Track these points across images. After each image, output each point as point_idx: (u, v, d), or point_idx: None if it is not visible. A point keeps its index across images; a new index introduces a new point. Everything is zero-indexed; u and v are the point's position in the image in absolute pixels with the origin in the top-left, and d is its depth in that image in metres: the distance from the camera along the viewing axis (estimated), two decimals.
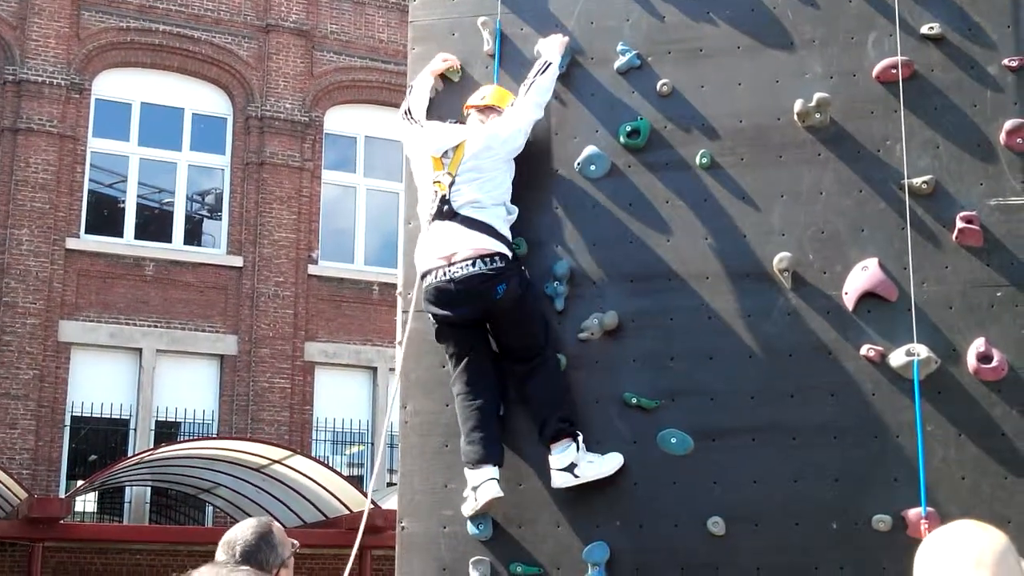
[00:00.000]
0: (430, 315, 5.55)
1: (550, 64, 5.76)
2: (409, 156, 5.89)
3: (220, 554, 4.24)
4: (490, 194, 5.56)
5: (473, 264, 5.39)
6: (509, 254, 5.47)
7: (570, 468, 5.32)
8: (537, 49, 5.91)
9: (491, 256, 5.41)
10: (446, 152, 5.62)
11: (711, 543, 5.30)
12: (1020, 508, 5.13)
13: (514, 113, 5.68)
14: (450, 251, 5.44)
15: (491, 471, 5.36)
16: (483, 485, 5.33)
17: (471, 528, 5.46)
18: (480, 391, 5.48)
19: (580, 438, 5.38)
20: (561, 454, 5.34)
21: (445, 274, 5.41)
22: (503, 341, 5.57)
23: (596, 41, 5.95)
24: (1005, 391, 5.25)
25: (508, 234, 5.55)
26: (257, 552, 4.21)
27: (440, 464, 5.63)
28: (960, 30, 5.63)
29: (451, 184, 5.53)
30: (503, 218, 5.57)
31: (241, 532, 4.27)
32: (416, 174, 5.80)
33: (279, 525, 4.42)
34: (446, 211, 5.51)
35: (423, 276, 5.54)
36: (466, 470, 5.42)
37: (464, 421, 5.45)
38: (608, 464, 5.37)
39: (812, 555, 5.22)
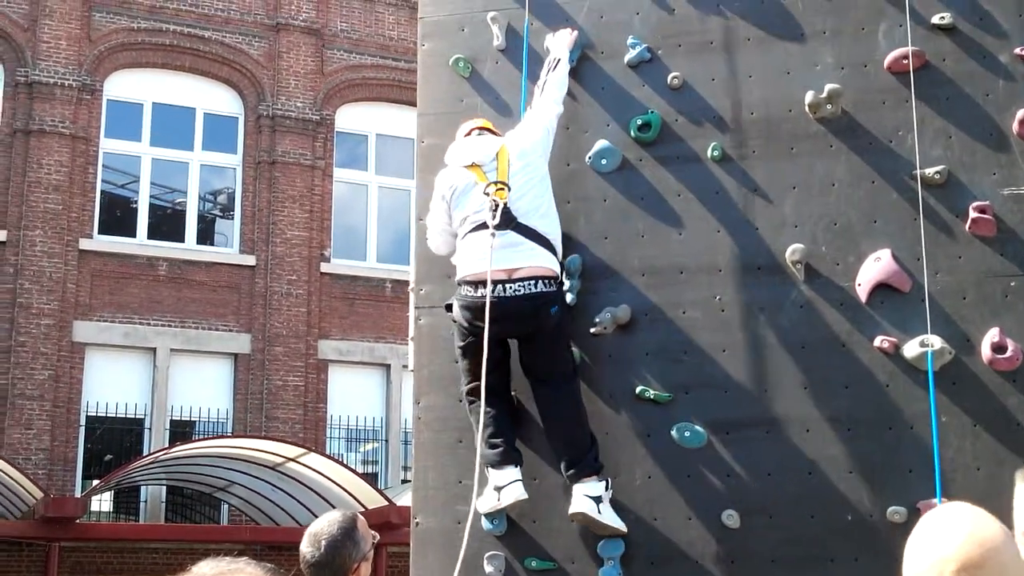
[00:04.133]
0: (464, 324, 5.40)
1: (559, 60, 5.75)
2: (442, 178, 5.67)
3: (305, 545, 4.23)
4: (545, 199, 5.51)
5: (535, 284, 5.31)
6: (561, 274, 5.45)
7: (597, 500, 5.27)
8: (547, 44, 5.91)
9: (550, 278, 5.36)
10: (489, 160, 5.51)
11: (726, 536, 5.29)
12: None
13: (536, 114, 5.65)
14: (512, 265, 5.31)
15: (515, 472, 5.35)
16: (508, 487, 5.32)
17: (485, 523, 5.46)
18: (501, 401, 5.44)
19: (609, 481, 5.36)
20: (592, 484, 5.29)
21: (504, 290, 5.28)
22: (536, 360, 5.45)
23: (606, 35, 5.94)
24: (1020, 381, 5.23)
25: (560, 248, 5.51)
26: (342, 547, 4.21)
27: (454, 459, 5.63)
28: (971, 19, 5.61)
29: (508, 190, 5.41)
30: (559, 229, 5.51)
31: (327, 526, 4.26)
32: (448, 186, 5.60)
33: (363, 518, 4.41)
34: (506, 220, 5.37)
35: (471, 284, 5.35)
36: (488, 470, 5.40)
37: (484, 427, 5.39)
38: (621, 526, 5.32)
39: (827, 547, 5.22)
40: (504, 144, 5.54)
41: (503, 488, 5.34)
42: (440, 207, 5.62)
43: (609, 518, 5.28)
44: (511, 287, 5.28)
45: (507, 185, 5.42)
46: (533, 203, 5.45)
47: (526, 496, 5.31)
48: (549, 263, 5.37)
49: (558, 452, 5.38)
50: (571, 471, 5.31)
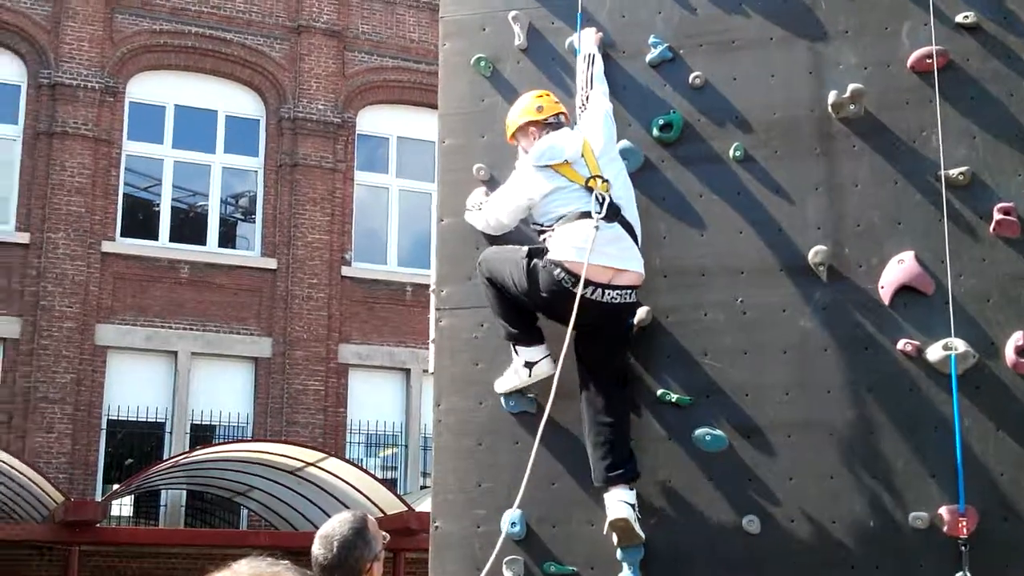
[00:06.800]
0: (543, 295, 5.29)
1: (594, 56, 5.72)
2: (531, 177, 5.49)
3: (317, 547, 4.23)
4: (631, 191, 5.47)
5: (631, 295, 5.30)
6: None
7: (633, 507, 5.24)
8: (570, 42, 5.88)
9: (638, 288, 5.36)
10: (578, 158, 5.41)
11: (747, 541, 5.24)
12: None
13: (597, 111, 5.59)
14: (618, 264, 5.25)
15: (544, 349, 5.42)
16: (541, 362, 5.41)
17: (505, 527, 5.42)
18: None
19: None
20: (627, 492, 5.25)
21: (603, 294, 5.21)
22: (601, 358, 5.39)
23: (628, 34, 5.90)
24: None
25: None
26: (354, 548, 4.20)
27: (473, 463, 5.59)
28: (995, 19, 5.56)
29: (609, 184, 5.35)
30: (640, 227, 5.46)
31: (339, 527, 4.26)
32: (535, 191, 5.44)
33: (372, 518, 4.40)
34: (612, 212, 5.29)
35: (568, 273, 5.21)
36: (516, 348, 5.46)
37: (507, 313, 5.49)
38: (643, 537, 5.29)
39: (848, 553, 5.16)
40: (585, 139, 5.45)
41: (536, 363, 5.41)
42: (523, 201, 5.49)
43: (639, 528, 5.24)
44: (609, 293, 5.23)
45: (604, 178, 5.35)
46: (627, 197, 5.42)
47: (555, 371, 5.26)
48: (642, 268, 5.36)
49: (600, 454, 5.31)
50: (612, 474, 5.25)
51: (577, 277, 5.18)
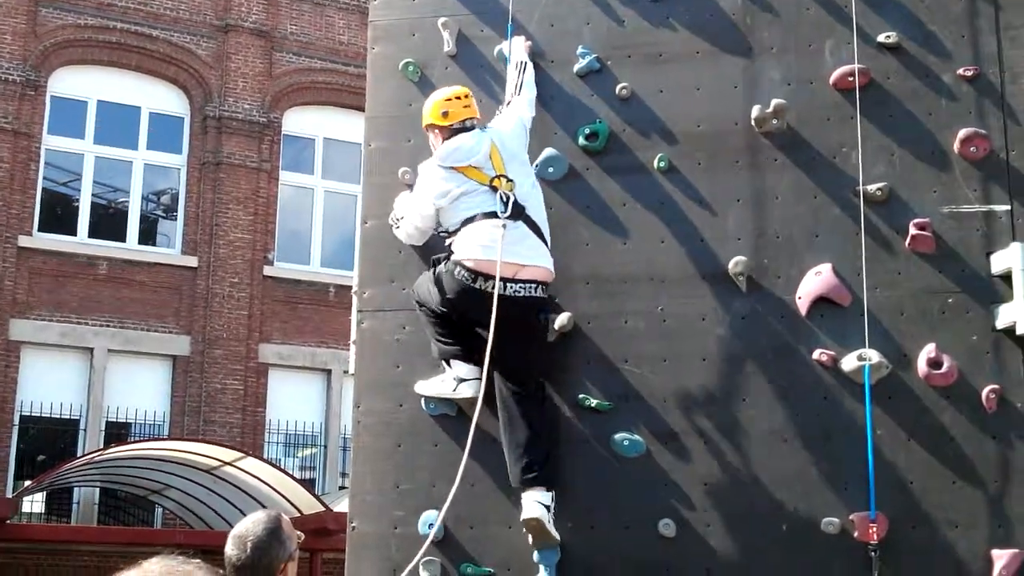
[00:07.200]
0: (447, 299, 5.36)
1: (525, 63, 5.77)
2: (436, 179, 5.52)
3: (230, 548, 4.19)
4: (539, 192, 5.53)
5: (536, 288, 5.33)
6: None
7: (548, 509, 5.30)
8: (499, 50, 5.92)
9: (547, 284, 5.39)
10: (485, 161, 5.45)
11: (662, 545, 5.31)
12: (967, 513, 5.18)
13: (515, 114, 5.65)
14: (520, 260, 5.31)
15: (476, 370, 5.41)
16: (469, 382, 5.43)
17: (422, 529, 5.44)
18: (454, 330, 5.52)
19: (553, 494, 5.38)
20: (543, 494, 5.31)
21: (505, 287, 5.25)
22: (510, 359, 5.38)
23: (556, 44, 5.96)
24: (954, 396, 5.30)
25: None
26: (269, 548, 4.17)
27: (392, 465, 5.61)
28: (916, 39, 5.69)
29: (513, 183, 5.41)
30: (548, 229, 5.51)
31: (252, 527, 4.22)
32: (443, 190, 5.48)
33: (287, 517, 4.38)
34: (517, 211, 5.37)
35: (469, 271, 5.29)
36: (449, 362, 5.49)
37: (442, 338, 5.52)
38: (559, 539, 5.34)
39: (762, 558, 5.25)
40: (492, 141, 5.50)
41: (466, 381, 5.43)
42: (429, 206, 5.51)
43: (552, 529, 5.30)
44: (512, 287, 5.28)
45: (509, 179, 5.42)
46: (534, 197, 5.48)
47: (479, 396, 5.30)
48: (549, 264, 5.40)
49: (516, 456, 5.35)
50: (528, 476, 5.30)
51: (477, 274, 5.24)
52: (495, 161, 5.44)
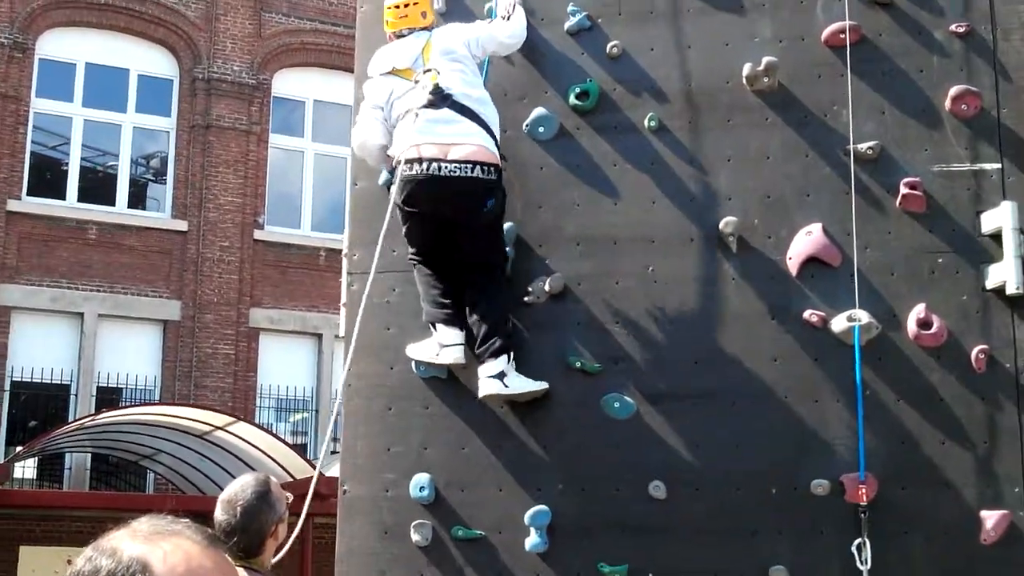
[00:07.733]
0: (400, 203, 5.37)
1: (516, 4, 5.72)
2: (372, 88, 5.67)
3: (220, 512, 4.19)
4: (479, 89, 5.49)
5: (472, 169, 5.26)
6: (500, 165, 5.40)
7: (500, 376, 5.30)
8: (489, 7, 5.86)
9: (490, 166, 5.31)
10: (415, 60, 5.53)
11: (652, 506, 5.30)
12: (957, 473, 5.17)
13: (481, 26, 5.66)
14: (449, 140, 5.28)
15: (460, 336, 5.39)
16: (452, 347, 5.39)
17: (413, 492, 5.43)
18: (448, 276, 5.49)
19: (512, 353, 5.37)
20: (492, 363, 5.32)
21: (439, 168, 5.24)
22: (467, 249, 5.42)
23: (547, 2, 5.90)
24: (944, 357, 5.28)
25: (498, 138, 5.45)
26: (258, 511, 4.17)
27: (383, 427, 5.59)
28: None
29: (439, 74, 5.42)
30: (496, 123, 5.45)
31: (240, 491, 4.22)
32: (381, 95, 5.59)
33: (275, 480, 4.37)
34: (441, 97, 5.36)
35: (407, 163, 5.30)
36: (436, 326, 5.45)
37: (429, 288, 5.49)
38: (536, 385, 5.36)
39: (751, 519, 5.24)
40: (429, 41, 5.56)
41: (447, 347, 5.40)
42: (372, 115, 5.60)
43: (520, 385, 5.32)
44: (446, 167, 5.25)
45: (435, 70, 5.44)
46: (467, 88, 5.44)
47: (464, 362, 5.36)
48: (487, 145, 5.34)
49: (475, 332, 5.39)
50: (480, 348, 5.33)
51: (412, 161, 5.26)
52: (425, 57, 5.50)
